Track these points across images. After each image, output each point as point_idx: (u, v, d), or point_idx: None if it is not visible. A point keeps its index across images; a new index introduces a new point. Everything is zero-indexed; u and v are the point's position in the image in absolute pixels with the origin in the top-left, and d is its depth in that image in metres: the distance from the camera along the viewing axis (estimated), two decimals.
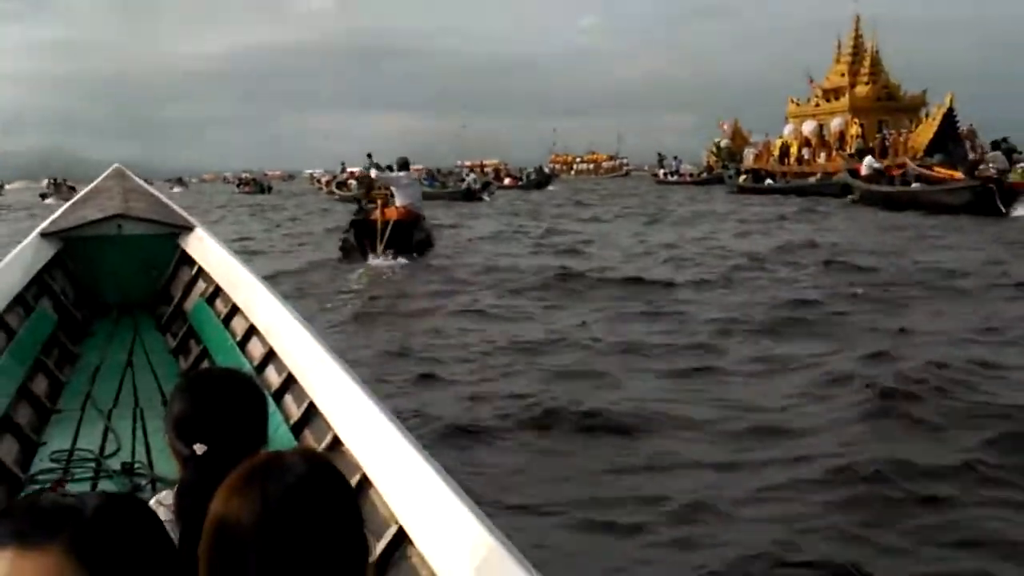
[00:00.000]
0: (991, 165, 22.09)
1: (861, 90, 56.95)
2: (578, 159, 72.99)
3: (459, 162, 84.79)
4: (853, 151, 53.48)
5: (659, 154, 61.60)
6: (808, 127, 58.26)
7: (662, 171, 58.61)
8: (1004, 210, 20.34)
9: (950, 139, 50.04)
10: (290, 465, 1.36)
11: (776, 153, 59.98)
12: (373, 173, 17.17)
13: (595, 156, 74.08)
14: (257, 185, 61.23)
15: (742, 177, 43.00)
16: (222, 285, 4.59)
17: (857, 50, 58.71)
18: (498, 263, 16.05)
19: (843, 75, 58.40)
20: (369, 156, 44.67)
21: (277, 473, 1.34)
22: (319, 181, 64.76)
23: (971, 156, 39.88)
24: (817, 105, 59.71)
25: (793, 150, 58.73)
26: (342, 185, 47.40)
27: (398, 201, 16.03)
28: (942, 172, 38.06)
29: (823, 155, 56.94)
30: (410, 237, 16.01)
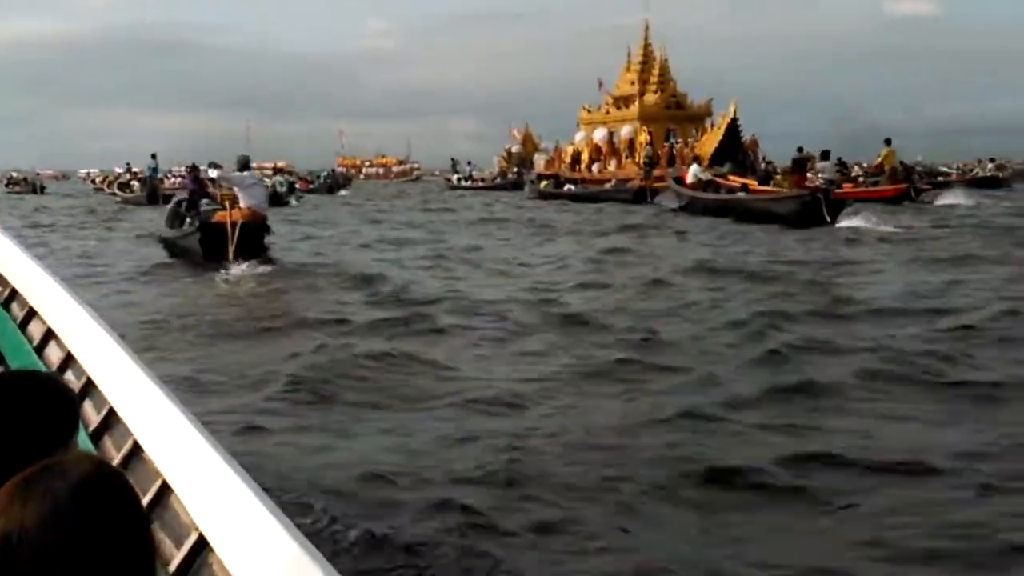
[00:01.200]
0: (820, 175, 22.48)
1: (650, 98, 58.22)
2: (367, 163, 71.48)
3: None
4: (643, 159, 54.86)
5: (452, 159, 61.17)
6: (599, 134, 59.12)
7: (455, 176, 57.96)
8: (830, 220, 20.68)
9: (735, 148, 52.03)
10: (68, 471, 1.32)
11: (567, 160, 60.68)
12: (213, 173, 15.48)
13: (385, 160, 72.95)
14: (28, 185, 56.57)
15: (543, 183, 42.83)
16: (18, 287, 4.32)
17: (647, 58, 60.00)
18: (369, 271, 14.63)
19: (633, 83, 59.57)
20: (153, 156, 42.16)
21: (54, 479, 1.30)
22: (94, 181, 60.54)
23: (762, 166, 41.37)
24: (608, 112, 60.67)
25: (584, 157, 59.56)
26: (125, 186, 44.32)
27: (243, 202, 14.51)
28: (736, 181, 39.40)
29: (613, 162, 58.03)
30: (261, 241, 14.51)
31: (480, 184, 53.56)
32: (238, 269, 13.51)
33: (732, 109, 54.62)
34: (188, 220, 15.91)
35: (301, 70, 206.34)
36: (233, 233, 13.94)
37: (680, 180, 29.01)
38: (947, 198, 30.21)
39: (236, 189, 14.72)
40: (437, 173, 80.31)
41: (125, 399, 2.79)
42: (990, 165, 45.94)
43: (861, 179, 32.88)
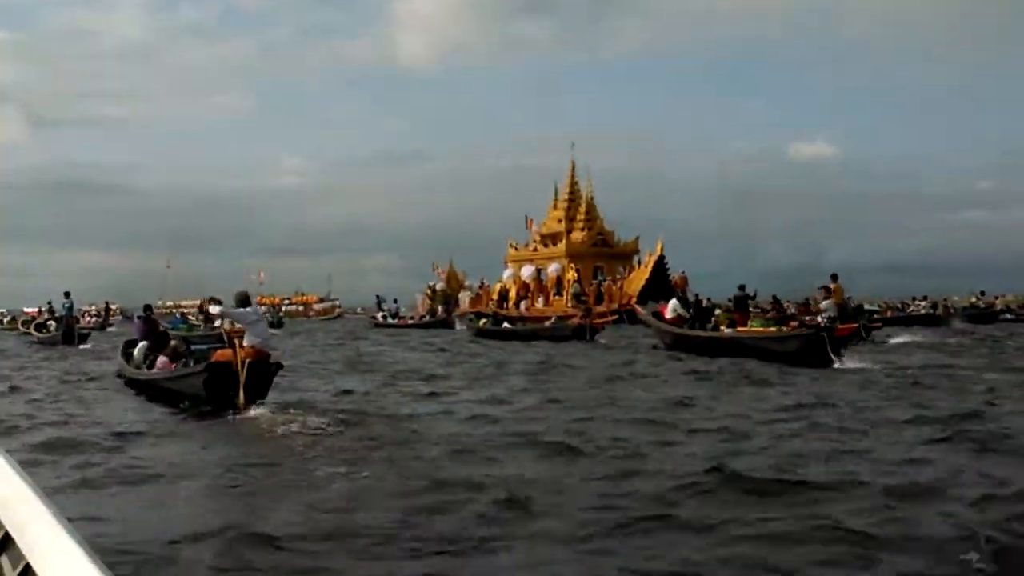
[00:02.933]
0: (825, 314, 21.76)
1: (577, 236, 58.72)
2: (286, 300, 70.23)
3: (160, 301, 79.64)
4: (571, 296, 54.85)
5: (377, 296, 60.07)
6: (527, 271, 59.21)
7: (380, 314, 56.93)
8: (835, 360, 19.99)
9: (663, 286, 52.38)
10: None
11: (495, 297, 60.42)
12: (215, 309, 14.32)
13: (305, 297, 71.90)
14: None
15: (482, 321, 42.11)
16: None
17: (573, 196, 60.65)
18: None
19: (560, 221, 60.08)
20: (67, 294, 40.58)
21: None
22: (1, 322, 57.97)
23: (704, 303, 41.27)
24: (535, 250, 60.90)
25: (512, 294, 59.40)
26: (42, 327, 42.17)
27: (247, 340, 13.40)
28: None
29: (541, 299, 57.95)
30: (269, 381, 13.34)
31: (409, 322, 52.52)
32: (254, 412, 12.29)
33: (659, 247, 55.40)
34: (184, 359, 14.69)
35: (215, 207, 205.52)
36: (242, 373, 12.80)
37: (659, 315, 28.47)
38: (901, 336, 30.24)
39: (240, 325, 13.64)
40: (360, 311, 79.05)
41: (43, 556, 2.64)
42: (923, 303, 46.90)
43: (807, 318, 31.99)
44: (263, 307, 14.66)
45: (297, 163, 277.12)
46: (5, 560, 3.00)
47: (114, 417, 12.67)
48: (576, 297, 54.76)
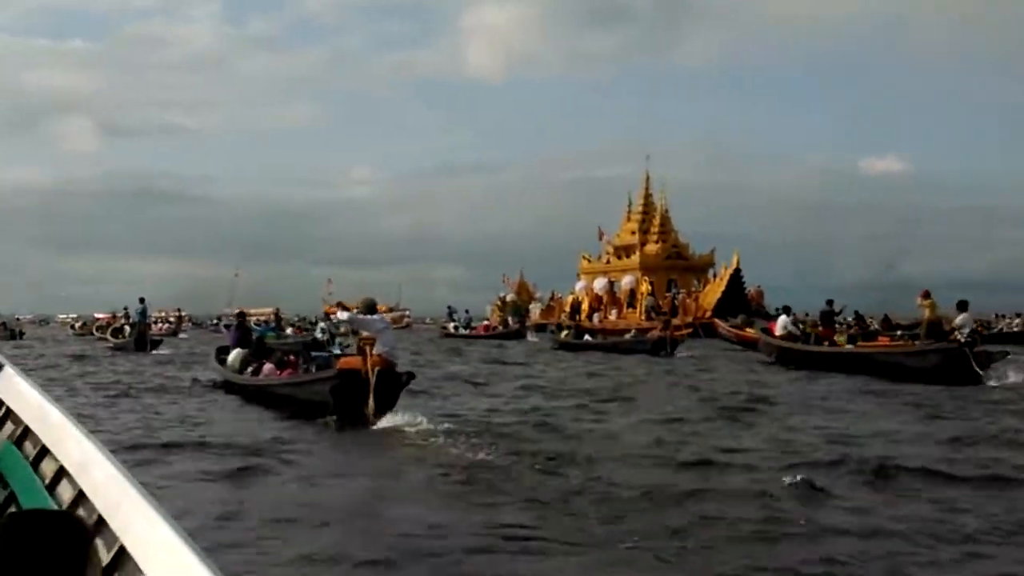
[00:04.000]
0: (963, 329, 20.46)
1: (651, 248, 58.03)
2: (354, 309, 70.08)
3: (228, 309, 79.97)
4: (644, 309, 54.14)
5: (449, 307, 59.93)
6: (599, 283, 58.62)
7: (451, 324, 56.65)
8: (982, 375, 18.68)
9: (738, 299, 51.49)
10: None
11: (567, 309, 59.89)
12: (343, 315, 13.93)
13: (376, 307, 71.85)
14: (7, 330, 54.51)
15: (564, 333, 41.52)
16: (31, 425, 4.26)
17: (647, 208, 59.96)
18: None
19: (634, 233, 59.42)
20: (142, 300, 40.86)
21: None
22: (73, 327, 58.58)
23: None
24: (608, 262, 60.29)
25: (584, 306, 58.84)
26: (118, 332, 42.38)
27: (376, 348, 12.97)
28: (752, 332, 38.41)
29: (614, 312, 57.32)
30: (397, 392, 12.89)
31: (482, 333, 52.12)
32: (386, 424, 11.78)
33: (735, 260, 54.47)
34: (305, 366, 14.27)
35: (284, 216, 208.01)
36: (373, 381, 12.34)
37: (768, 331, 27.69)
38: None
39: (366, 333, 13.20)
40: (428, 321, 78.96)
41: (136, 537, 2.80)
42: (1017, 319, 45.32)
43: (899, 333, 30.60)
44: (380, 315, 14.19)
45: (366, 173, 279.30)
46: (100, 543, 3.06)
47: (245, 429, 12.19)
48: (651, 310, 54.12)
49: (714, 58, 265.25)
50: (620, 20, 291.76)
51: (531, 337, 47.36)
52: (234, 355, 18.75)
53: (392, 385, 12.82)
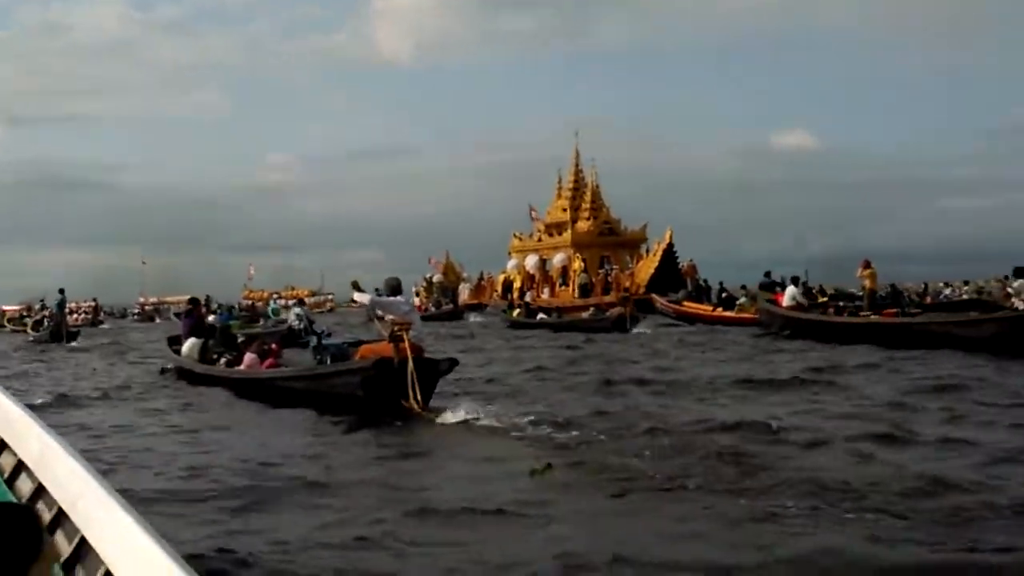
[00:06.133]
0: (1021, 296, 19.09)
1: (583, 225, 57.20)
2: (275, 294, 67.90)
3: (141, 299, 77.23)
4: (578, 286, 53.34)
5: (377, 289, 57.74)
6: (531, 261, 57.64)
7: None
8: None
9: (672, 274, 50.96)
10: None
11: (499, 288, 58.81)
12: (363, 297, 12.52)
13: (296, 292, 69.68)
14: None
15: (515, 311, 40.43)
16: None
17: (578, 185, 59.06)
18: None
19: (565, 210, 58.49)
20: (61, 291, 38.76)
21: None
22: None
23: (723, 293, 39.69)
24: (540, 240, 59.33)
25: (516, 285, 57.82)
26: (39, 324, 40.09)
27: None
28: (694, 307, 37.77)
29: (546, 290, 56.39)
30: (435, 381, 11.61)
31: (422, 313, 50.71)
32: (452, 417, 10.45)
33: (668, 235, 53.92)
34: (319, 357, 12.78)
35: (197, 204, 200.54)
36: (414, 372, 11.04)
37: (774, 302, 26.77)
38: None
39: (393, 316, 11.86)
40: (355, 304, 77.00)
41: (97, 529, 2.80)
42: (966, 287, 45.41)
43: (842, 304, 29.25)
44: (403, 297, 12.88)
45: (280, 159, 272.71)
46: (61, 535, 3.05)
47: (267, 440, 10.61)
48: (584, 287, 53.37)
49: (630, 40, 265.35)
50: (533, 3, 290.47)
51: (473, 318, 46.25)
52: (189, 345, 17.56)
53: (431, 374, 11.59)
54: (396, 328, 11.53)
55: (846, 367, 15.65)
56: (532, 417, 10.01)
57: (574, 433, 9.08)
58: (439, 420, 10.35)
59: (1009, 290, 18.99)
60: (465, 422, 10.15)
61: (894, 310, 24.38)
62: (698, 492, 6.63)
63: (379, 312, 12.28)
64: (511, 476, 7.43)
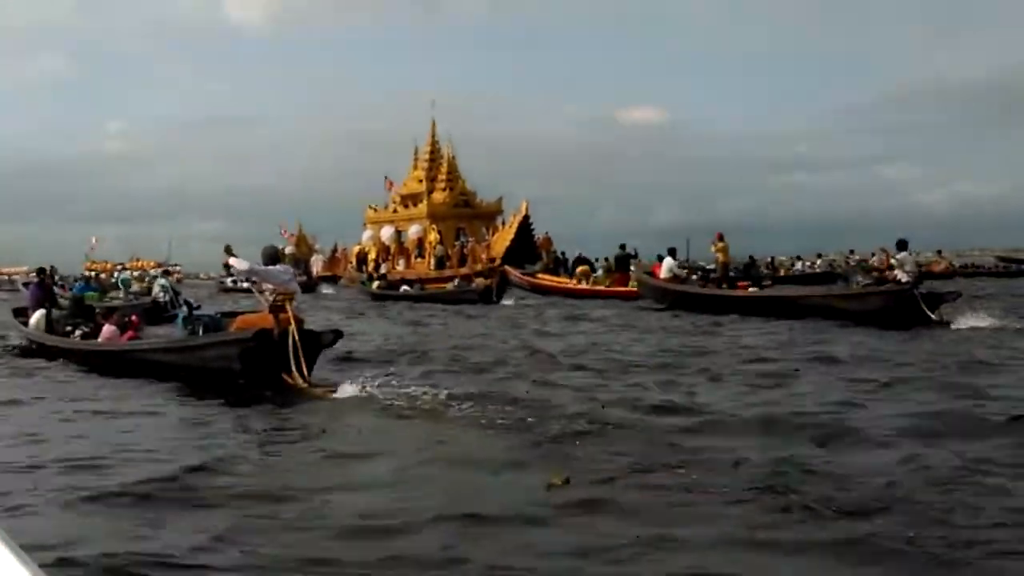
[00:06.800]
0: (904, 268, 19.35)
1: (438, 196, 56.79)
2: (119, 266, 65.21)
3: None
4: (434, 258, 52.98)
5: (225, 264, 56.54)
6: (386, 233, 56.98)
7: (229, 279, 53.55)
8: (932, 317, 17.70)
9: (528, 247, 51.14)
10: None
11: (354, 260, 57.93)
12: (240, 264, 11.89)
13: (141, 263, 67.05)
14: None
15: (375, 284, 39.78)
16: None
17: (434, 157, 58.54)
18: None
19: (421, 181, 57.95)
20: None
21: None
22: None
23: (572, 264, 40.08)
24: (395, 211, 58.62)
25: (371, 256, 57.07)
26: None
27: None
28: (549, 280, 37.98)
29: (402, 261, 55.82)
30: (316, 353, 11.17)
31: None
32: (348, 391, 10.00)
33: (523, 207, 54.04)
34: (190, 328, 12.12)
35: (33, 174, 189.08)
36: (299, 344, 10.59)
37: (652, 274, 26.69)
38: None
39: (271, 285, 11.35)
40: (203, 276, 74.87)
41: None
42: (819, 261, 47.06)
43: (696, 276, 29.57)
44: (284, 265, 12.32)
45: (121, 127, 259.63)
46: None
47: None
48: (440, 259, 53.05)
49: (481, 13, 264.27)
50: None
51: (327, 289, 45.40)
52: (37, 316, 16.72)
53: (314, 347, 11.16)
54: (277, 298, 11.06)
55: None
56: (437, 391, 9.65)
57: (472, 404, 8.82)
58: (336, 395, 9.87)
59: (892, 261, 19.25)
60: (365, 397, 9.69)
61: (747, 283, 24.71)
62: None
63: (256, 280, 11.73)
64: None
